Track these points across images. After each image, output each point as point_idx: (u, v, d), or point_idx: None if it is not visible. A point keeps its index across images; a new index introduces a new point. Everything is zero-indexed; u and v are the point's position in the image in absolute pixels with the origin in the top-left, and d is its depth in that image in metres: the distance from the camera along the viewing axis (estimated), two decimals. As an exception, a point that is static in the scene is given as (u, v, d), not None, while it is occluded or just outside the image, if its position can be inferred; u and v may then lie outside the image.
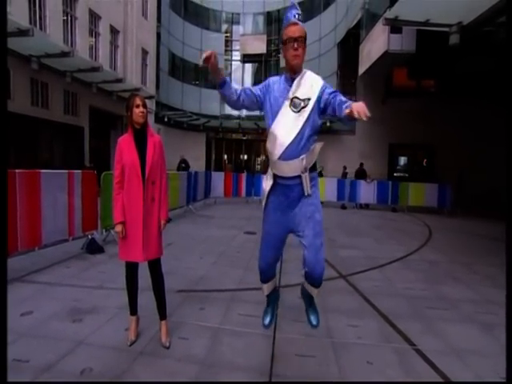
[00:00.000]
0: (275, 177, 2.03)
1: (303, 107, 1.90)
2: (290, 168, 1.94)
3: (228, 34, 24.62)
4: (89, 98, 13.85)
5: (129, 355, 2.38)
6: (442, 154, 16.13)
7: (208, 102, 23.32)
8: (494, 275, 4.61)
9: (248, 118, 23.04)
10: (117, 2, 15.68)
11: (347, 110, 1.65)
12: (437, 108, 15.64)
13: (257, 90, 2.02)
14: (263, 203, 2.14)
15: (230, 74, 24.22)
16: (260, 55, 23.39)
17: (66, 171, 4.91)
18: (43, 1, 11.46)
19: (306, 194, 1.97)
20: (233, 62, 24.75)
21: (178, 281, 3.88)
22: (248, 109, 2.06)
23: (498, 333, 2.86)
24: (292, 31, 1.88)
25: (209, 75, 23.54)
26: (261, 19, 24.29)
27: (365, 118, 1.57)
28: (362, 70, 14.92)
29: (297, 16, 1.90)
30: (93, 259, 4.72)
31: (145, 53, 18.32)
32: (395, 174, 17.23)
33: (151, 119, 17.43)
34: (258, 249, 2.23)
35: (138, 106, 2.42)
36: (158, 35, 19.73)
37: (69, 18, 12.90)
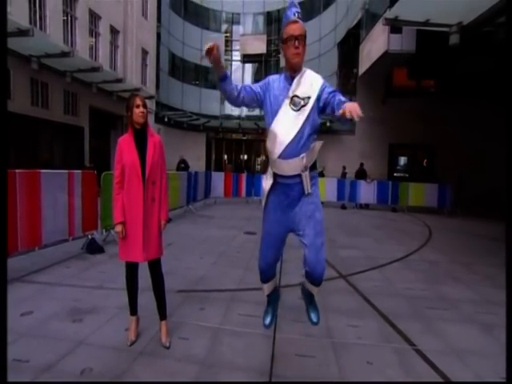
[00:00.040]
0: (275, 176, 2.02)
1: (303, 106, 1.89)
2: (290, 167, 1.93)
3: (228, 34, 24.63)
4: (89, 98, 13.85)
5: (129, 355, 2.38)
6: (442, 154, 16.13)
7: (208, 102, 23.35)
8: (494, 275, 4.61)
9: (248, 118, 23.07)
10: (117, 2, 15.69)
11: (341, 111, 1.64)
12: (437, 108, 15.64)
13: (257, 87, 2.01)
14: (263, 202, 2.13)
15: (230, 74, 24.19)
16: (260, 55, 23.40)
17: (66, 171, 4.91)
18: (43, 1, 11.47)
19: (306, 192, 1.96)
20: (233, 62, 24.75)
21: (178, 281, 3.88)
22: (248, 106, 2.05)
23: (498, 333, 2.86)
24: (293, 29, 1.87)
25: (209, 74, 23.60)
26: (261, 19, 24.31)
27: (357, 118, 1.56)
28: (362, 69, 14.93)
29: (297, 14, 1.89)
30: (93, 259, 4.73)
31: (145, 53, 18.33)
32: (395, 174, 17.23)
33: (151, 119, 17.43)
34: (258, 249, 2.23)
35: (138, 106, 2.42)
36: (158, 35, 19.75)
37: (69, 18, 12.91)
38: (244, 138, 22.49)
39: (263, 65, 23.95)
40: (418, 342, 2.72)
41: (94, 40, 14.48)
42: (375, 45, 12.69)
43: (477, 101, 14.58)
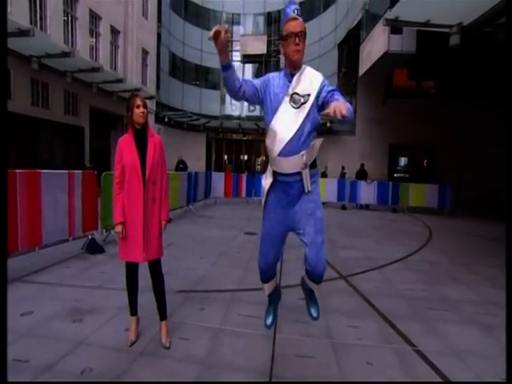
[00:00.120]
0: (275, 174, 2.01)
1: (303, 103, 1.88)
2: (290, 164, 1.92)
3: (228, 35, 24.57)
4: (89, 98, 13.86)
5: (129, 355, 2.38)
6: (442, 155, 16.13)
7: (208, 103, 23.36)
8: (494, 276, 4.61)
9: (248, 118, 23.08)
10: (117, 3, 15.70)
11: (325, 111, 1.64)
12: (437, 109, 15.65)
13: (257, 83, 1.99)
14: (262, 201, 2.11)
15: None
16: (260, 55, 23.39)
17: (67, 171, 4.91)
18: (44, 1, 11.49)
19: (306, 190, 1.95)
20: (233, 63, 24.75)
21: (178, 281, 3.88)
22: (247, 101, 2.00)
23: (498, 334, 2.86)
24: (293, 26, 1.86)
25: (209, 75, 23.60)
26: (261, 20, 24.32)
27: (339, 117, 1.55)
28: (362, 70, 14.93)
29: (296, 11, 1.88)
30: (93, 259, 4.72)
31: (145, 53, 18.34)
32: (395, 175, 17.22)
33: (151, 119, 17.43)
34: (258, 249, 2.22)
35: (138, 107, 2.42)
36: (159, 35, 19.76)
37: (69, 19, 12.93)
38: (244, 138, 22.50)
39: (263, 65, 23.95)
40: (419, 343, 2.72)
41: (94, 40, 14.49)
42: (375, 45, 12.70)
43: (477, 102, 14.59)
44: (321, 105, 1.88)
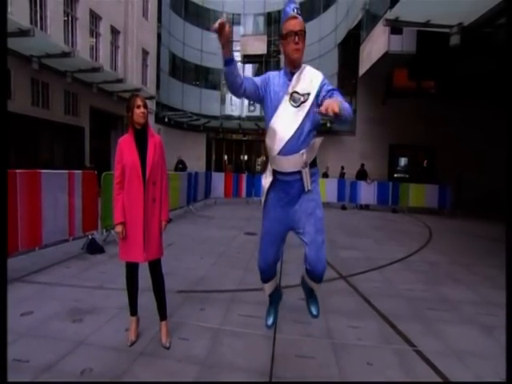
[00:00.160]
0: (275, 173, 2.00)
1: (303, 102, 1.88)
2: (290, 163, 1.91)
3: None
4: (89, 99, 13.86)
5: (129, 355, 2.37)
6: (442, 155, 16.13)
7: (208, 103, 23.36)
8: (494, 276, 4.61)
9: (248, 118, 23.07)
10: (117, 3, 15.70)
11: (319, 110, 1.66)
12: (437, 109, 15.65)
13: (258, 80, 1.98)
14: (262, 200, 2.11)
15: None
16: (260, 56, 23.40)
17: (67, 171, 4.91)
18: (44, 1, 11.49)
19: (306, 189, 1.95)
20: (233, 63, 24.72)
21: (178, 281, 3.88)
22: (248, 98, 1.99)
23: (499, 334, 2.86)
24: (292, 25, 1.86)
25: (209, 75, 23.61)
26: (261, 20, 24.32)
27: (331, 113, 1.55)
28: (362, 70, 14.93)
29: (295, 10, 1.87)
30: (93, 259, 4.73)
31: (145, 53, 18.34)
32: (395, 175, 17.23)
33: (151, 119, 17.44)
34: (258, 249, 2.22)
35: (138, 107, 2.42)
36: (159, 36, 19.76)
37: (69, 19, 12.93)
38: (244, 138, 22.50)
39: (264, 65, 23.95)
40: (419, 343, 2.72)
41: (94, 40, 14.49)
42: (376, 45, 12.70)
43: (477, 102, 14.59)
44: (320, 104, 1.87)
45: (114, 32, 15.86)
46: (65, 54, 10.41)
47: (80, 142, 13.62)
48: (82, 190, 5.02)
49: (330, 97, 1.81)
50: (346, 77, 17.93)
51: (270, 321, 2.29)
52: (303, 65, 1.96)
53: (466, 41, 8.30)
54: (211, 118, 22.11)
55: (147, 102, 2.61)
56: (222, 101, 24.18)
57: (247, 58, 23.96)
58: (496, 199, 10.04)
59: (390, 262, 5.29)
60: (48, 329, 2.70)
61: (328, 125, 16.40)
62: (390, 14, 8.91)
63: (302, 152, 1.89)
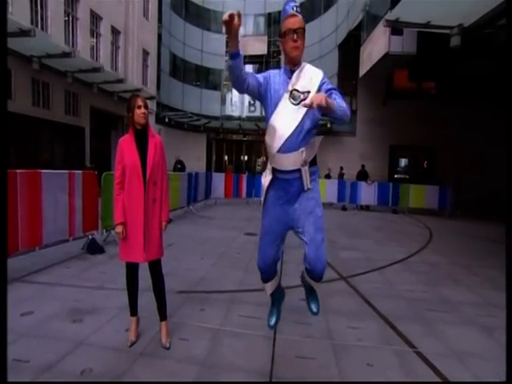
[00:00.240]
0: (274, 171, 2.00)
1: (302, 100, 1.87)
2: (290, 161, 1.91)
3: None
4: (90, 99, 13.87)
5: (129, 356, 2.37)
6: (442, 156, 16.14)
7: (209, 103, 23.37)
8: (495, 277, 4.61)
9: (248, 118, 23.09)
10: (118, 3, 15.72)
11: (305, 102, 1.69)
12: (437, 110, 15.66)
13: (260, 77, 1.97)
14: (262, 199, 2.10)
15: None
16: (261, 56, 23.42)
17: (67, 171, 4.91)
18: (45, 1, 11.50)
19: (305, 188, 1.94)
20: (234, 63, 24.73)
21: (179, 282, 3.88)
22: (250, 94, 1.96)
23: (499, 335, 2.86)
24: (291, 23, 1.86)
25: (210, 75, 23.61)
26: (262, 20, 24.34)
27: (314, 106, 1.60)
28: (362, 71, 14.95)
29: (295, 8, 1.87)
30: (93, 259, 4.72)
31: (146, 53, 18.36)
32: (396, 176, 17.24)
33: (152, 120, 17.45)
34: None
35: (139, 107, 2.42)
36: (159, 36, 19.77)
37: (70, 19, 12.95)
38: (244, 138, 22.51)
39: (264, 66, 23.97)
40: (419, 345, 2.72)
41: (95, 40, 14.51)
42: (376, 46, 12.71)
43: (477, 103, 14.60)
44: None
45: (115, 32, 15.87)
46: (65, 54, 10.42)
47: (80, 142, 13.63)
48: (83, 190, 5.02)
49: (329, 96, 1.80)
50: (347, 77, 17.94)
51: (273, 321, 2.27)
52: (303, 63, 1.96)
53: (466, 42, 8.30)
54: (211, 118, 22.13)
55: (148, 102, 2.61)
56: (223, 101, 24.20)
57: (247, 59, 23.91)
58: (496, 200, 10.02)
59: (391, 262, 5.29)
60: (48, 329, 2.70)
61: (328, 125, 16.42)
62: (391, 15, 8.91)
63: (301, 150, 1.89)
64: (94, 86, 13.48)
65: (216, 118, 22.71)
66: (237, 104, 24.08)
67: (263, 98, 1.99)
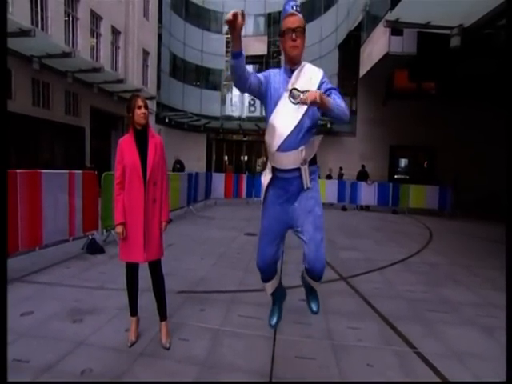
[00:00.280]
0: (274, 170, 2.00)
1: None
2: (289, 160, 1.91)
3: (229, 36, 24.56)
4: (90, 99, 13.88)
5: (129, 356, 2.37)
6: (442, 157, 16.14)
7: (209, 103, 23.37)
8: (495, 278, 4.61)
9: (248, 119, 23.09)
10: (118, 3, 15.73)
11: (299, 99, 1.71)
12: (438, 110, 15.66)
13: (261, 76, 1.97)
14: (262, 198, 2.10)
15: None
16: (261, 56, 23.41)
17: (67, 171, 4.91)
18: (45, 2, 11.51)
19: (305, 187, 1.94)
20: (234, 63, 24.74)
21: (179, 282, 3.88)
22: (251, 93, 1.95)
23: (499, 336, 2.86)
24: (291, 22, 1.85)
25: (210, 75, 23.62)
26: (262, 21, 24.34)
27: (308, 102, 1.62)
28: (362, 71, 14.95)
29: (295, 7, 1.87)
30: (93, 260, 4.72)
31: (146, 53, 18.36)
32: (396, 176, 17.24)
33: (152, 120, 17.44)
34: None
35: (139, 107, 2.42)
36: (160, 36, 19.77)
37: (70, 19, 12.95)
38: (245, 139, 22.50)
39: (264, 66, 23.96)
40: (419, 345, 2.72)
41: (95, 40, 14.52)
42: (376, 47, 12.71)
43: (478, 103, 14.60)
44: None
45: (115, 32, 15.88)
46: (65, 54, 10.42)
47: (80, 142, 13.63)
48: (83, 190, 5.02)
49: (329, 96, 1.81)
50: (347, 78, 17.94)
51: (274, 320, 2.26)
52: (303, 62, 1.96)
53: (466, 42, 8.30)
54: (212, 118, 22.13)
55: (148, 102, 2.61)
56: (223, 101, 24.20)
57: (247, 59, 23.90)
58: (496, 200, 10.02)
59: (391, 263, 5.29)
60: (48, 329, 2.70)
61: (328, 126, 16.42)
62: (391, 16, 8.91)
63: (300, 149, 1.89)
64: (94, 86, 13.49)
65: (216, 119, 22.71)
66: (237, 104, 24.07)
67: (264, 96, 1.99)
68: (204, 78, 23.94)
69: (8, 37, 7.71)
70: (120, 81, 13.37)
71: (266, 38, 23.35)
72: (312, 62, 2.03)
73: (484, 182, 13.99)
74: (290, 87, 1.90)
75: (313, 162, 1.98)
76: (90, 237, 5.16)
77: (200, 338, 2.68)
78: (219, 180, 12.67)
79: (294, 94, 1.87)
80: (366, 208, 13.03)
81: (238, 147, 23.81)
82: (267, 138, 1.98)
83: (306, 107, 1.86)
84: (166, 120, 20.03)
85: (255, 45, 23.26)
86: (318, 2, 20.87)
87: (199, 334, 2.75)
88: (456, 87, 14.78)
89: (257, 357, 2.47)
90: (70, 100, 13.08)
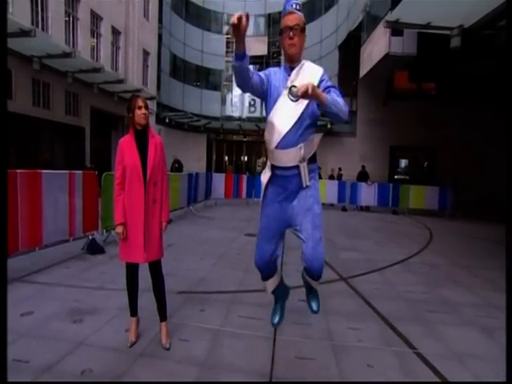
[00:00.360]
0: (273, 168, 2.00)
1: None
2: (288, 157, 1.91)
3: (229, 36, 24.63)
4: (90, 99, 13.88)
5: (129, 356, 2.37)
6: (442, 157, 16.14)
7: (209, 104, 23.38)
8: (495, 278, 4.60)
9: (249, 119, 23.10)
10: (118, 3, 15.73)
11: (293, 92, 1.72)
12: (438, 111, 15.66)
13: (262, 74, 1.98)
14: (261, 196, 2.10)
15: (232, 76, 24.25)
16: (261, 57, 23.40)
17: (67, 172, 4.91)
18: (45, 2, 11.51)
19: (304, 185, 1.94)
20: (234, 64, 24.76)
21: (179, 282, 3.87)
22: (253, 92, 1.96)
23: (499, 336, 2.85)
24: (289, 20, 1.86)
25: (210, 75, 23.63)
26: (262, 21, 24.35)
27: (299, 94, 1.62)
28: (363, 72, 14.95)
29: (295, 6, 1.87)
30: (93, 260, 4.72)
31: (146, 54, 18.36)
32: (396, 177, 17.24)
33: (152, 120, 17.44)
34: None
35: (140, 108, 2.42)
36: (160, 36, 19.77)
37: (71, 19, 12.95)
38: (245, 139, 22.51)
39: (264, 67, 23.96)
40: (419, 346, 2.72)
41: (95, 41, 14.52)
42: (376, 47, 12.71)
43: (478, 104, 14.60)
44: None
45: (115, 32, 15.88)
46: (66, 55, 10.42)
47: (80, 143, 13.63)
48: (83, 191, 5.02)
49: (328, 94, 1.81)
50: (347, 78, 17.93)
51: (276, 319, 2.24)
52: (303, 60, 1.97)
53: (466, 43, 8.31)
54: (212, 118, 22.13)
55: (148, 102, 2.61)
56: (223, 102, 24.20)
57: (248, 59, 23.94)
58: (496, 201, 10.03)
59: (391, 263, 5.29)
60: (48, 329, 2.70)
61: (329, 126, 16.43)
62: (391, 16, 8.92)
63: (299, 146, 1.89)
64: (95, 87, 13.49)
65: (216, 119, 22.71)
66: (237, 104, 24.08)
67: (265, 95, 2.00)
68: (204, 78, 23.94)
69: (8, 37, 7.72)
70: (120, 81, 13.37)
71: (266, 39, 23.36)
72: (312, 62, 2.04)
73: (484, 183, 13.99)
74: (289, 85, 1.90)
75: (312, 160, 1.98)
76: (90, 237, 5.16)
77: (200, 338, 2.68)
78: (219, 180, 12.66)
79: (292, 92, 1.87)
80: (366, 208, 13.03)
81: (238, 147, 23.82)
82: (266, 135, 1.99)
83: (305, 105, 1.87)
84: (166, 120, 20.03)
85: (255, 45, 23.25)
86: (318, 3, 20.88)
87: (199, 334, 2.75)
88: (456, 88, 14.79)
89: (257, 357, 2.47)
90: (70, 100, 13.08)
